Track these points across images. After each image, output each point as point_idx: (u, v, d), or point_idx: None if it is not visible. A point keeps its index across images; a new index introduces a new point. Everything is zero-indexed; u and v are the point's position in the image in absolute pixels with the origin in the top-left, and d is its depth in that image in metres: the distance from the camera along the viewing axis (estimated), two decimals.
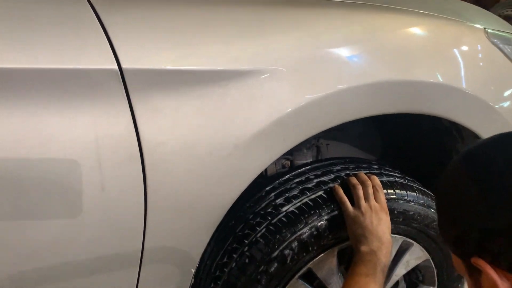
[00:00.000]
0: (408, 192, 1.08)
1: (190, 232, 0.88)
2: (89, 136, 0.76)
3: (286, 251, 1.00)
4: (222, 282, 1.03)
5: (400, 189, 1.08)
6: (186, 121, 0.82)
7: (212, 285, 1.06)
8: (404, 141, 1.42)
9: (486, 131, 1.09)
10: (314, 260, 1.04)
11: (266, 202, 1.08)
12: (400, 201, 1.06)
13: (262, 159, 0.90)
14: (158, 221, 0.84)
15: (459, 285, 1.25)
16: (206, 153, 0.84)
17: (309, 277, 1.09)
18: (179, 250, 0.88)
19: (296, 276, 1.04)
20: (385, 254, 0.92)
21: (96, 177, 0.77)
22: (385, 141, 1.46)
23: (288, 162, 1.27)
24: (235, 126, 0.85)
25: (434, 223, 1.11)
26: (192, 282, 0.96)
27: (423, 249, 1.15)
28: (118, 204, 0.80)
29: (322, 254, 1.04)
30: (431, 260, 1.17)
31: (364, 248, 0.92)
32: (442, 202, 0.66)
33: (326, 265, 1.07)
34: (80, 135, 0.76)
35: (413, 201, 1.08)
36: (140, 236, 0.84)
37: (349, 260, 1.20)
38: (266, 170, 1.21)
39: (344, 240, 1.05)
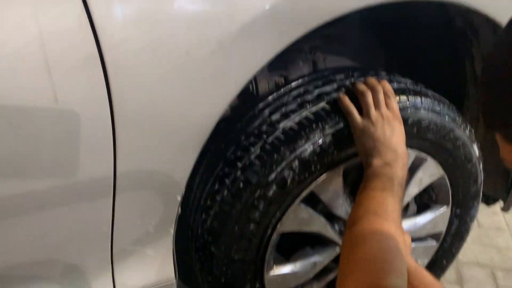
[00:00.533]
0: (423, 98, 0.94)
1: (170, 151, 0.74)
2: (30, 31, 0.59)
3: (286, 172, 0.86)
4: (214, 211, 0.91)
5: (414, 96, 0.93)
6: (154, 9, 0.65)
7: (203, 215, 0.93)
8: (411, 51, 1.26)
9: None
10: (317, 181, 0.91)
11: (260, 120, 0.93)
12: (414, 109, 0.92)
13: (253, 60, 0.74)
14: (130, 139, 0.69)
15: (475, 203, 1.14)
16: (182, 52, 0.68)
17: (312, 201, 0.96)
18: (159, 173, 0.74)
19: (298, 200, 0.91)
20: (402, 167, 0.79)
21: (44, 85, 0.61)
22: (389, 53, 1.30)
23: (282, 79, 1.11)
24: (218, 16, 0.69)
25: (452, 134, 0.98)
26: (179, 212, 0.83)
27: (438, 165, 1.02)
28: (78, 118, 0.64)
29: (326, 175, 0.91)
30: (446, 177, 1.05)
31: (376, 161, 0.79)
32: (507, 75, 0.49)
33: (331, 187, 0.94)
34: (16, 30, 0.59)
35: (428, 109, 0.94)
36: (110, 157, 0.69)
37: (355, 182, 1.08)
38: (257, 89, 1.05)
39: (351, 157, 0.91)
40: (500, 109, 0.50)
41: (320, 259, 1.03)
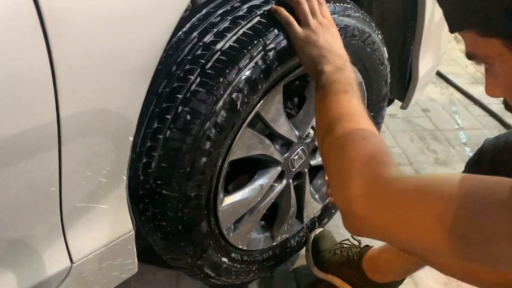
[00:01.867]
0: (345, 5, 0.95)
1: (119, 84, 0.63)
2: None
3: (235, 95, 0.81)
4: (160, 152, 0.82)
5: (338, 2, 0.94)
6: None
7: (145, 159, 0.84)
8: None
9: None
10: (262, 101, 0.88)
11: (190, 46, 0.85)
12: (341, 16, 0.93)
13: None
14: (72, 73, 0.56)
15: (385, 104, 1.24)
16: None
17: (253, 123, 0.94)
18: (108, 112, 0.63)
19: (246, 124, 0.88)
20: (351, 69, 0.80)
21: None
22: None
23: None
24: None
25: (370, 38, 1.02)
26: (131, 155, 0.73)
27: (357, 71, 1.07)
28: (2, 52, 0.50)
29: (269, 93, 0.89)
30: (363, 82, 1.11)
31: (328, 67, 0.78)
32: None
33: (274, 106, 0.92)
34: None
35: (351, 15, 0.96)
36: (50, 99, 0.56)
37: (288, 99, 1.08)
38: None
39: (290, 71, 0.90)
40: (471, 7, 0.51)
41: (266, 180, 1.03)
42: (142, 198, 0.87)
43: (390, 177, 0.58)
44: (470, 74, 2.60)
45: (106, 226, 0.74)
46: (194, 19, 0.88)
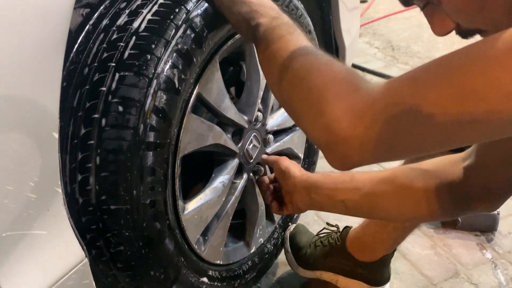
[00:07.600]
0: None
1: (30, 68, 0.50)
2: None
3: (168, 72, 0.70)
4: (96, 161, 0.68)
5: None
6: None
7: (79, 177, 0.69)
8: None
9: None
10: (201, 80, 0.78)
11: (103, 34, 0.73)
12: None
13: None
14: None
15: None
16: None
17: (197, 110, 0.83)
18: (22, 101, 0.49)
19: (189, 108, 0.76)
20: (287, 17, 0.72)
21: None
22: None
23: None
24: None
25: (291, 3, 0.97)
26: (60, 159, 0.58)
27: None
28: None
29: (207, 70, 0.79)
30: None
31: (263, 19, 0.69)
32: None
33: (214, 85, 0.82)
34: None
35: None
36: None
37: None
38: None
39: (224, 41, 0.81)
40: None
41: (225, 177, 0.91)
42: (87, 227, 0.71)
43: (370, 87, 0.50)
44: (381, 60, 2.70)
45: (50, 258, 0.57)
46: (101, 8, 0.77)
